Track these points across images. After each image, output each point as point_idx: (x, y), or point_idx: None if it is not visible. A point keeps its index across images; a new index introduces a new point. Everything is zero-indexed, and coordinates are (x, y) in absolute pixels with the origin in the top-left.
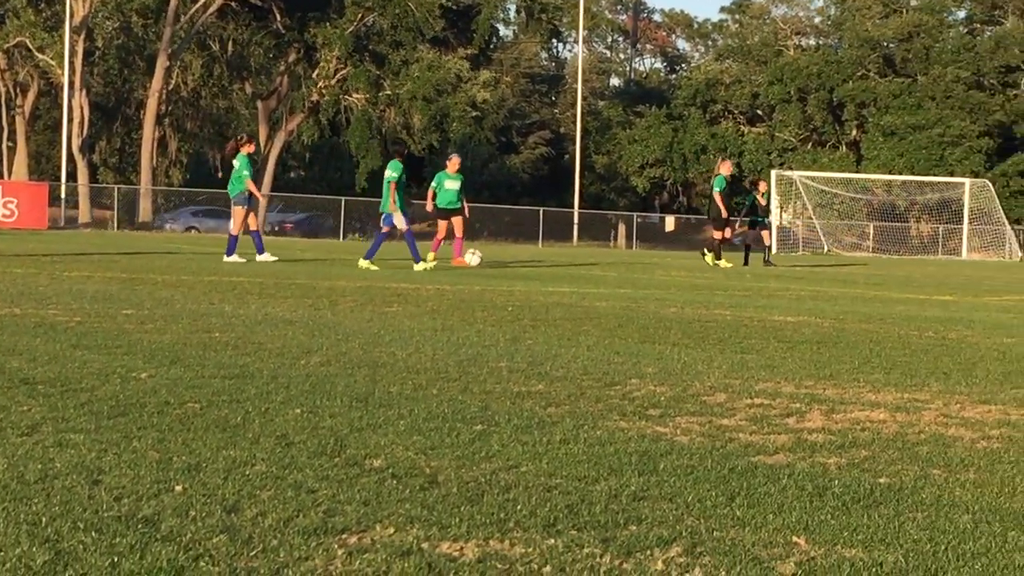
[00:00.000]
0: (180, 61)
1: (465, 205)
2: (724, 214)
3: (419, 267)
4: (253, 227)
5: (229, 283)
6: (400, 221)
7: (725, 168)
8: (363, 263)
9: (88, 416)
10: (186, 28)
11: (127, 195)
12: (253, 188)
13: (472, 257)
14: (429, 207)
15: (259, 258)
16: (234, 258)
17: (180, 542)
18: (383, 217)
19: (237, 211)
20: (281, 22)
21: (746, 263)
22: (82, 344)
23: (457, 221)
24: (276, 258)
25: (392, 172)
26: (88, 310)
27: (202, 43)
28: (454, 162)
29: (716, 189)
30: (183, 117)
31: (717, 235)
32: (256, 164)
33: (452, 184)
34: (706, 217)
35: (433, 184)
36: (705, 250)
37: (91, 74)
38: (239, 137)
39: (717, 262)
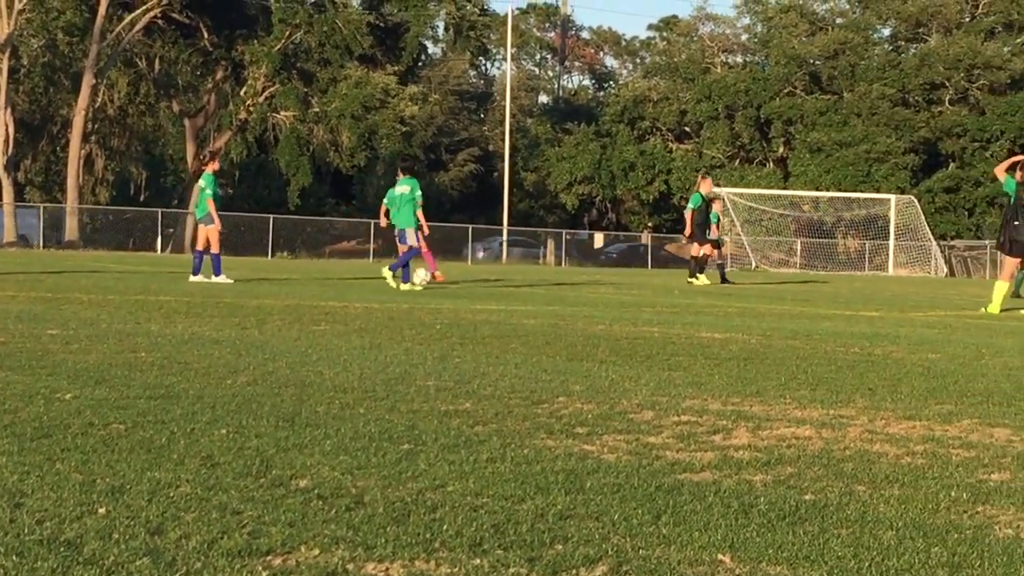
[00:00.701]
0: (106, 79)
1: (212, 214)
2: (688, 231)
3: (406, 287)
4: (215, 249)
5: (156, 302)
6: (412, 237)
7: (705, 186)
8: (386, 272)
9: (11, 438)
10: (112, 46)
11: (53, 213)
12: (212, 210)
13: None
14: (383, 223)
15: (193, 279)
16: (221, 278)
17: (103, 565)
18: (400, 234)
19: (210, 230)
20: (208, 40)
21: (724, 280)
22: (5, 365)
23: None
24: (211, 280)
25: (414, 190)
26: (12, 330)
27: (129, 61)
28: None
29: (690, 206)
30: (110, 135)
31: (696, 251)
32: (221, 180)
33: (401, 189)
34: (684, 236)
35: (385, 201)
36: (690, 273)
37: (16, 92)
38: (202, 156)
39: (692, 280)
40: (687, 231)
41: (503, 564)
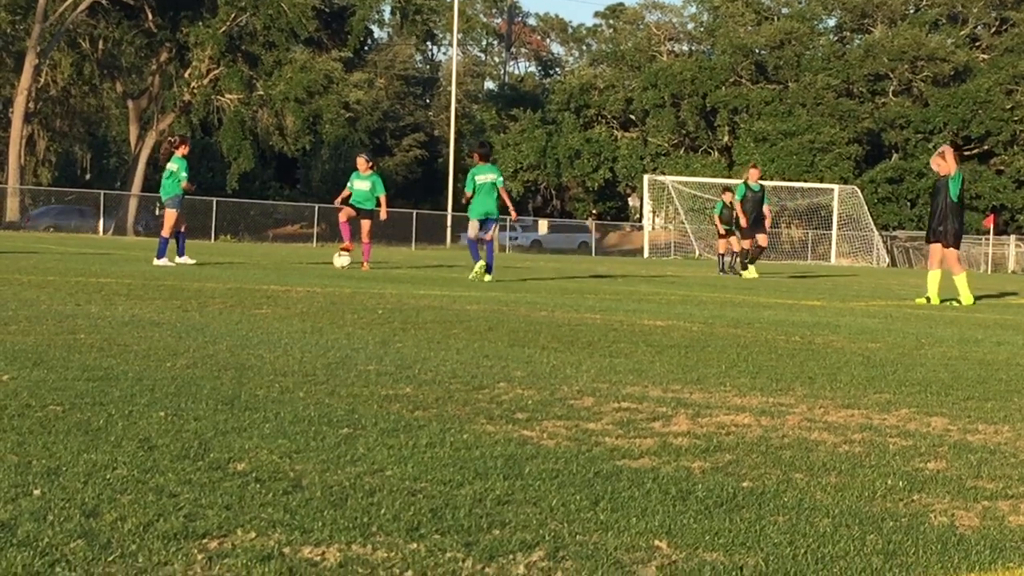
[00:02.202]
0: (49, 59)
1: (383, 208)
2: (744, 223)
3: (489, 278)
4: (166, 233)
5: (96, 284)
6: (473, 229)
7: (752, 175)
8: (486, 277)
9: None
10: (55, 25)
11: None
12: (190, 188)
13: (341, 259)
14: (338, 204)
15: (179, 260)
16: (163, 261)
17: (36, 547)
18: (482, 224)
19: (170, 214)
20: (153, 21)
21: (722, 270)
22: None
23: (365, 224)
24: (195, 261)
25: (497, 176)
26: None
27: (72, 41)
28: (360, 162)
29: (736, 198)
30: (52, 116)
31: (746, 244)
32: (189, 164)
33: (361, 184)
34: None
35: (349, 185)
36: (739, 264)
37: None
38: (171, 140)
39: (739, 272)
40: (743, 222)
41: (440, 549)
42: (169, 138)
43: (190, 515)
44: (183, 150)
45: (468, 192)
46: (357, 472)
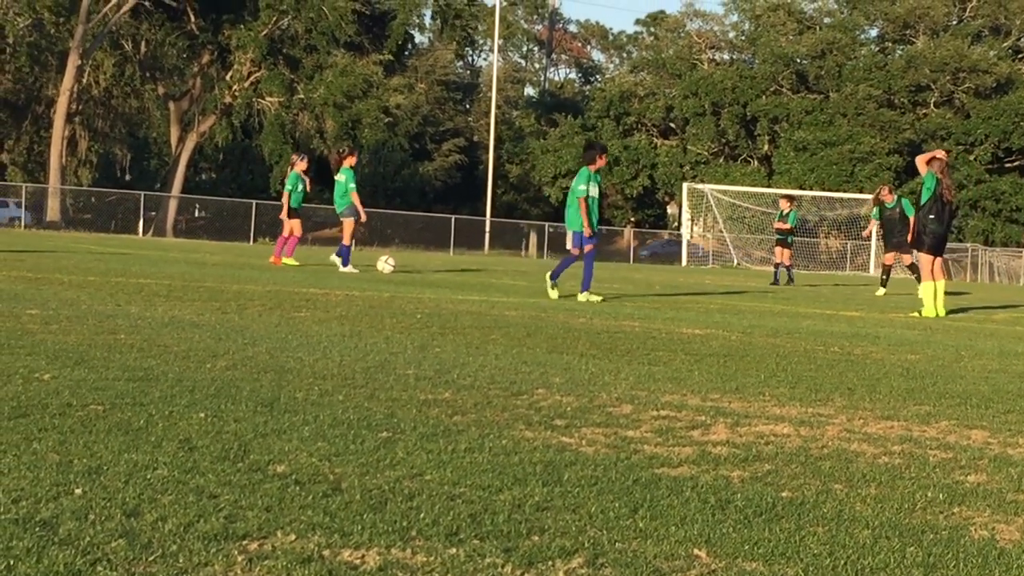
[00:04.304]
0: (92, 60)
1: (357, 207)
2: (909, 237)
3: (582, 297)
4: (347, 241)
5: (136, 285)
6: (571, 241)
7: (885, 195)
8: (582, 296)
9: None
10: (99, 26)
11: (35, 194)
12: (357, 202)
13: (384, 264)
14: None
15: (342, 269)
16: (349, 268)
17: (78, 546)
18: (574, 236)
19: (348, 223)
20: (195, 23)
21: (775, 281)
22: None
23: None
24: (358, 271)
25: (585, 185)
26: None
27: (115, 42)
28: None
29: (874, 218)
30: (94, 116)
31: (906, 259)
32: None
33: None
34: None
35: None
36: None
37: (1, 71)
38: (340, 150)
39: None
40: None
41: (479, 554)
42: (338, 149)
43: (230, 516)
44: (351, 160)
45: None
46: (396, 476)
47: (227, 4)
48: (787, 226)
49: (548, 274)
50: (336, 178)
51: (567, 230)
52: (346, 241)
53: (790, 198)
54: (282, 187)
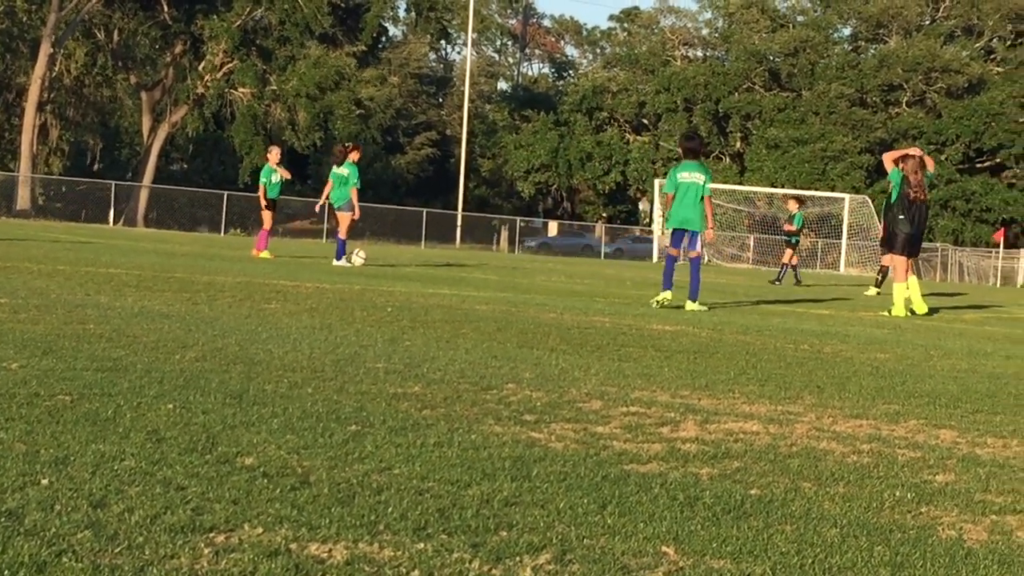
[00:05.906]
0: (64, 48)
1: (354, 203)
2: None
3: (694, 307)
4: (343, 235)
5: (106, 275)
6: (667, 241)
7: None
8: (690, 305)
9: None
10: (71, 15)
11: (5, 182)
12: (355, 199)
13: (356, 257)
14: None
15: (336, 263)
16: (343, 262)
17: (44, 537)
18: (691, 238)
19: (344, 216)
20: (168, 13)
21: (778, 280)
22: None
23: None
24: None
25: (704, 176)
26: None
27: (87, 31)
28: (275, 154)
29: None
30: (65, 105)
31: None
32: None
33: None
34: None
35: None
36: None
37: None
38: (346, 145)
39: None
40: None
41: (447, 549)
42: (344, 143)
43: (197, 508)
44: (355, 155)
45: (669, 193)
46: (365, 470)
47: None
48: (794, 228)
49: (665, 289)
50: (339, 171)
51: (678, 231)
52: (342, 235)
53: (799, 200)
54: (251, 179)
